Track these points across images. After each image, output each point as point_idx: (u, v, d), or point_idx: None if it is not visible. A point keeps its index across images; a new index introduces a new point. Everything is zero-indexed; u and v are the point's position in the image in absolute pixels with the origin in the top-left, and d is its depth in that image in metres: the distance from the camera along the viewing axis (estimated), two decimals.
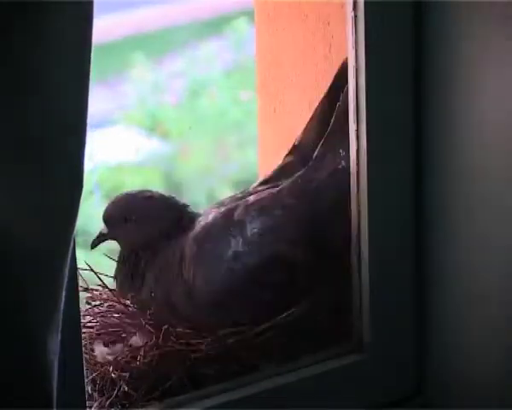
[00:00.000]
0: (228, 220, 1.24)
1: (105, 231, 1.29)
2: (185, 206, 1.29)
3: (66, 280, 0.79)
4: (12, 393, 0.78)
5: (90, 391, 1.14)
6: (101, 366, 1.17)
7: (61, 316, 0.79)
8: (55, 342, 0.79)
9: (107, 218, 1.29)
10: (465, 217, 1.18)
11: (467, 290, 1.20)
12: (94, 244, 1.29)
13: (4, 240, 0.74)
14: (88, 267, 1.30)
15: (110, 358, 1.19)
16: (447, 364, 1.24)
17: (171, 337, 1.19)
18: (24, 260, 0.76)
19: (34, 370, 0.78)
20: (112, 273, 1.33)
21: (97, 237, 1.29)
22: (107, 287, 1.32)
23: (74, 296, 0.96)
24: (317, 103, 1.31)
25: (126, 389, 1.14)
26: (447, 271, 1.22)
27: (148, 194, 1.29)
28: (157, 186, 5.76)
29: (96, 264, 1.34)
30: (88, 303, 1.28)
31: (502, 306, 1.16)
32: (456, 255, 1.20)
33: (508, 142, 1.11)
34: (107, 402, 1.14)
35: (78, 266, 1.23)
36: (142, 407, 1.15)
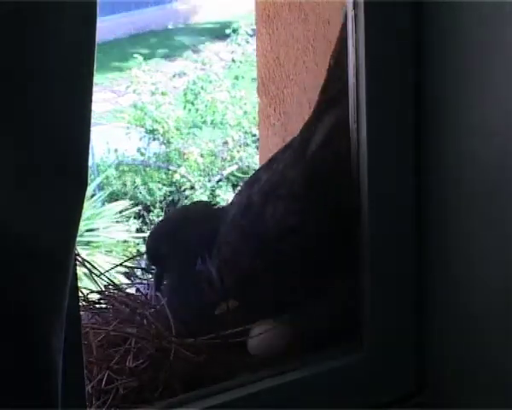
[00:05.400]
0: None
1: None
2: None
3: (70, 278, 0.79)
4: (16, 391, 0.78)
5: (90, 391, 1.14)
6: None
7: (65, 313, 0.79)
8: (59, 340, 0.79)
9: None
10: (466, 215, 1.18)
11: (468, 290, 1.20)
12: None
13: (8, 239, 0.75)
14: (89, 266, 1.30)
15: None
16: (447, 364, 1.24)
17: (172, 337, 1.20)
18: (27, 259, 0.76)
19: (38, 368, 0.78)
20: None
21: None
22: (109, 285, 1.32)
23: (74, 296, 0.96)
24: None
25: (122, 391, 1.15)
26: (448, 271, 1.22)
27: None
28: (157, 186, 5.76)
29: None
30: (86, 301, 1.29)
31: (503, 306, 1.16)
32: (458, 255, 1.20)
33: (508, 141, 1.11)
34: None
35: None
36: (141, 407, 1.15)
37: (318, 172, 1.21)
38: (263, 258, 1.21)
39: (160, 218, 5.60)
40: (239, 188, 1.32)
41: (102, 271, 1.32)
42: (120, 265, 1.50)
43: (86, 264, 1.29)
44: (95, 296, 1.32)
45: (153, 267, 1.33)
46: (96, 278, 1.31)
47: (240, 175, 5.79)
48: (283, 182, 1.22)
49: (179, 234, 1.28)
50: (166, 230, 1.31)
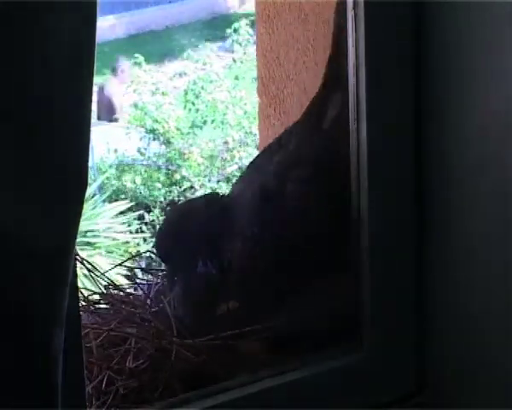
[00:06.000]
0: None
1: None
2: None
3: (70, 279, 0.79)
4: (16, 391, 0.78)
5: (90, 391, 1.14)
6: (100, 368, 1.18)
7: (64, 314, 0.79)
8: (59, 340, 0.79)
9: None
10: (466, 215, 1.18)
11: (468, 290, 1.20)
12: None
13: (8, 239, 0.75)
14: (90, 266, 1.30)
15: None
16: (447, 364, 1.24)
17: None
18: (27, 259, 0.76)
19: (38, 368, 0.78)
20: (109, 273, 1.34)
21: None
22: (109, 285, 1.32)
23: (74, 296, 0.96)
24: None
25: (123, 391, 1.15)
26: (448, 271, 1.22)
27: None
28: (157, 186, 5.76)
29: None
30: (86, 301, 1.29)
31: (503, 306, 1.16)
32: (457, 255, 1.20)
33: (507, 140, 1.11)
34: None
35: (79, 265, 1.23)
36: (141, 407, 1.15)
37: (333, 148, 1.21)
38: (286, 243, 1.21)
39: (162, 217, 5.60)
40: (241, 178, 1.31)
41: (103, 271, 1.32)
42: (120, 265, 1.49)
43: (86, 264, 1.30)
44: (95, 296, 1.32)
45: (164, 267, 1.32)
46: (96, 278, 1.31)
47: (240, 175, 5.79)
48: (299, 162, 1.22)
49: (186, 230, 1.27)
50: (175, 227, 1.29)
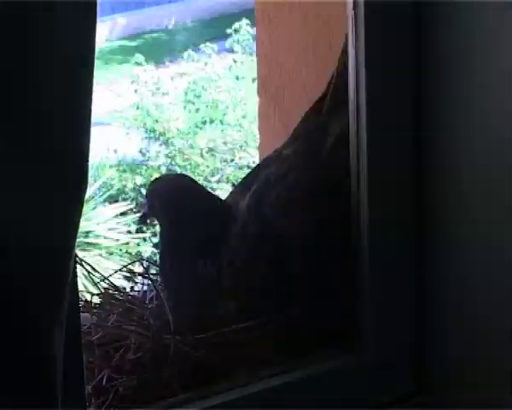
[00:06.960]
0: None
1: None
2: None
3: (70, 279, 0.79)
4: (16, 391, 0.78)
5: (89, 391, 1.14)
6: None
7: (65, 312, 0.79)
8: (59, 340, 0.79)
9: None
10: (466, 216, 1.18)
11: (468, 290, 1.20)
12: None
13: (8, 239, 0.75)
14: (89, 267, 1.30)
15: None
16: (447, 364, 1.24)
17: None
18: (27, 258, 0.76)
19: (38, 367, 0.78)
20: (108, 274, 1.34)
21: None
22: (109, 286, 1.32)
23: (74, 296, 0.96)
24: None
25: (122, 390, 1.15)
26: (448, 271, 1.22)
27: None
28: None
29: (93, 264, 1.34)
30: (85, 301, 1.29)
31: (503, 306, 1.16)
32: (457, 255, 1.20)
33: (507, 140, 1.11)
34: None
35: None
36: (142, 407, 1.15)
37: (333, 175, 1.22)
38: (277, 266, 1.22)
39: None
40: (240, 186, 1.30)
41: (102, 272, 1.32)
42: (123, 268, 1.49)
43: (86, 265, 1.30)
44: (95, 296, 1.32)
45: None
46: (96, 279, 1.31)
47: (240, 175, 5.80)
48: (297, 189, 1.22)
49: (179, 211, 1.28)
50: (168, 194, 1.30)
